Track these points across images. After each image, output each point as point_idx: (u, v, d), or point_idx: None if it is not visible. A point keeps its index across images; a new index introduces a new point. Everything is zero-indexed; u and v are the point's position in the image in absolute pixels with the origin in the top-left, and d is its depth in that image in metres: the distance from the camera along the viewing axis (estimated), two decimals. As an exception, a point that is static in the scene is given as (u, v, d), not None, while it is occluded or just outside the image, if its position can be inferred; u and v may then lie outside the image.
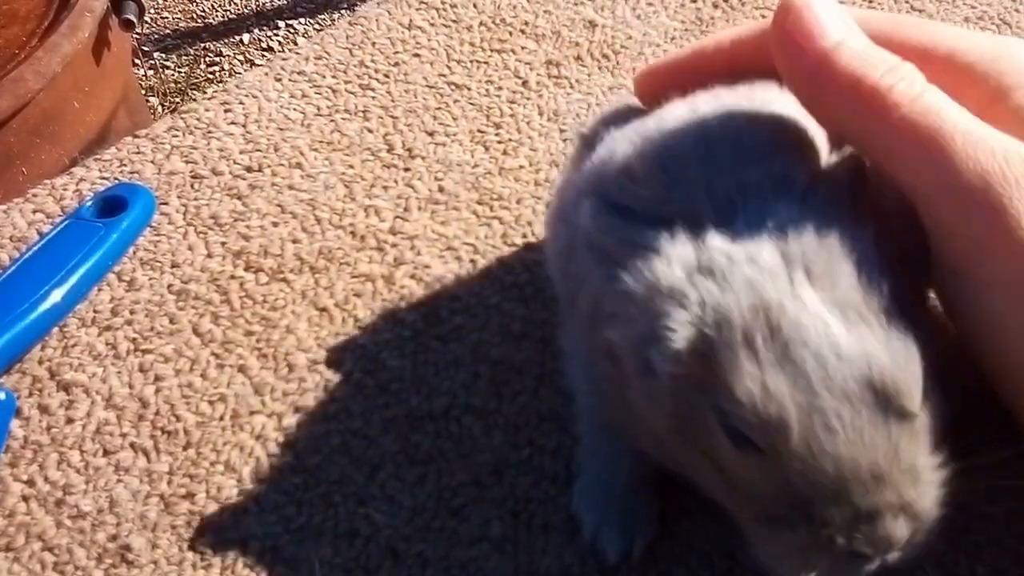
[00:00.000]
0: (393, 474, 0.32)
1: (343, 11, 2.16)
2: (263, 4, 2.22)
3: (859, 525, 0.23)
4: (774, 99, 0.30)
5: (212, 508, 0.32)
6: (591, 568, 0.29)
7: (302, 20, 2.16)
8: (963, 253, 0.26)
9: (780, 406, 0.23)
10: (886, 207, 0.28)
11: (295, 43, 2.07)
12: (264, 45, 2.09)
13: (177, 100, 1.88)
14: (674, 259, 0.25)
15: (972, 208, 0.25)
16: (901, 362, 0.23)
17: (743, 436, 0.23)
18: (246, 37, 2.11)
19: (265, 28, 2.15)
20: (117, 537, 0.31)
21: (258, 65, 0.66)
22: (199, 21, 2.16)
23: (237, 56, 2.05)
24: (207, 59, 2.04)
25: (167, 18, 2.14)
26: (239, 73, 1.96)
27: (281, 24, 2.15)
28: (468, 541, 0.31)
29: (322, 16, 2.17)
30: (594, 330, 0.28)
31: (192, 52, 2.05)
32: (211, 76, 1.98)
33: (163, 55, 2.04)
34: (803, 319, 0.23)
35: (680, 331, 0.24)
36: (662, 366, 0.24)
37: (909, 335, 0.24)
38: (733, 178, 0.26)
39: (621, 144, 0.29)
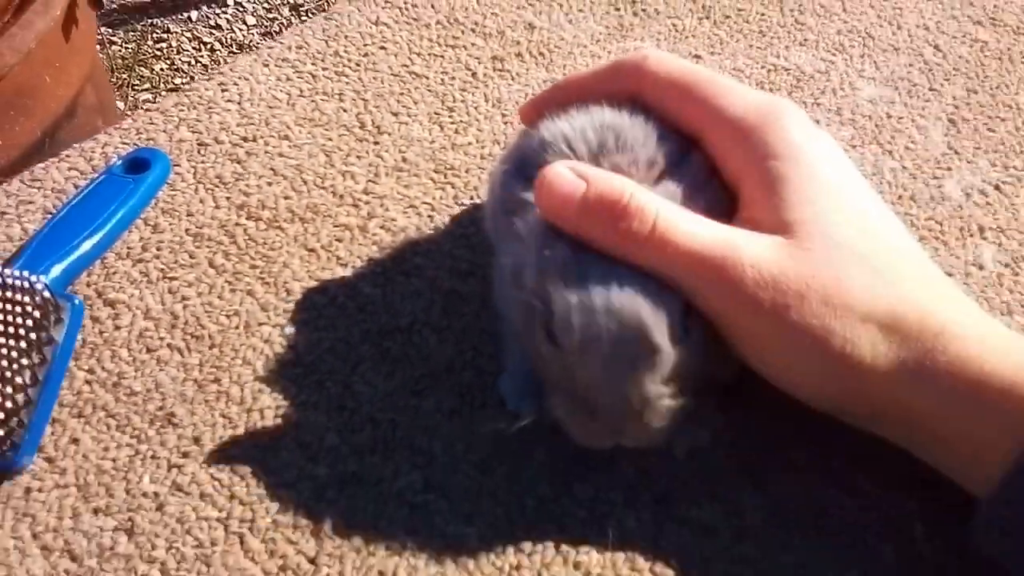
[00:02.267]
0: (370, 368, 0.47)
1: None
2: None
3: (598, 412, 0.37)
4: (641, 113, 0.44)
5: (235, 389, 0.46)
6: (516, 429, 0.44)
7: None
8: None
9: (571, 325, 0.37)
10: None
11: (244, 22, 2.18)
12: (212, 23, 2.18)
13: (124, 76, 1.98)
14: (540, 215, 0.40)
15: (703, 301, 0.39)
16: (662, 316, 0.37)
17: (551, 334, 0.38)
18: (194, 14, 2.21)
19: (213, 5, 2.25)
20: (163, 408, 0.45)
21: (247, 52, 0.78)
22: None
23: (185, 33, 2.14)
24: (154, 35, 2.13)
25: (114, -7, 2.23)
26: (186, 51, 2.07)
27: (230, 2, 2.24)
28: (427, 412, 0.45)
29: None
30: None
31: (139, 28, 2.15)
32: (158, 53, 2.08)
33: (110, 31, 2.13)
34: (604, 271, 0.37)
35: (530, 265, 0.39)
36: (528, 282, 0.39)
37: (680, 296, 0.38)
38: (610, 160, 0.41)
39: (540, 129, 0.45)
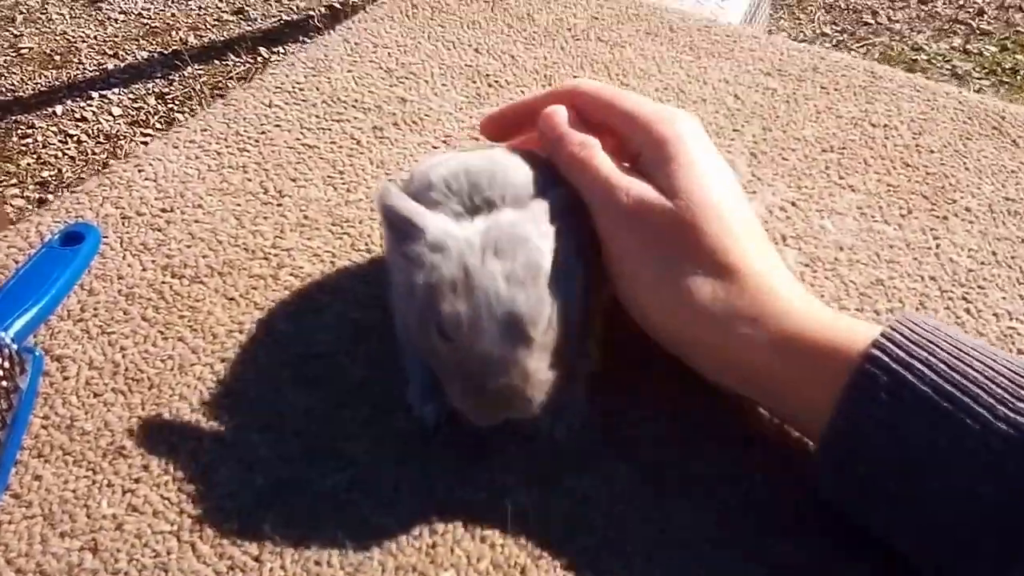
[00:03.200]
0: (292, 391, 0.49)
1: (157, 80, 2.23)
2: (75, 76, 2.23)
3: (488, 393, 0.41)
4: (511, 157, 0.48)
5: (175, 421, 0.48)
6: (417, 431, 0.47)
7: (116, 90, 2.18)
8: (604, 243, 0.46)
9: (459, 320, 0.40)
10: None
11: (110, 113, 2.11)
12: (78, 116, 2.09)
13: (-10, 173, 1.89)
14: (427, 238, 0.43)
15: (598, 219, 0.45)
16: (533, 310, 0.41)
17: (444, 333, 0.41)
18: (59, 108, 2.12)
19: (78, 99, 2.16)
20: (114, 442, 0.46)
21: (155, 138, 0.80)
22: (9, 95, 2.15)
23: (51, 128, 2.05)
24: (19, 131, 2.04)
25: (-26, 93, 2.15)
26: (52, 144, 2.00)
27: (95, 95, 2.16)
28: (345, 423, 0.47)
29: (136, 85, 2.20)
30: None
31: (3, 126, 2.03)
32: (24, 148, 1.99)
33: (-28, 129, 2.04)
34: (484, 277, 0.41)
35: (420, 280, 0.42)
36: (419, 292, 0.42)
37: (547, 296, 0.41)
38: (482, 196, 0.45)
39: (428, 172, 0.48)
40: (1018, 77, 2.25)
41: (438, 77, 0.73)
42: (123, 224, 0.59)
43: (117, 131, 2.08)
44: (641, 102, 0.49)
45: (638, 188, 0.45)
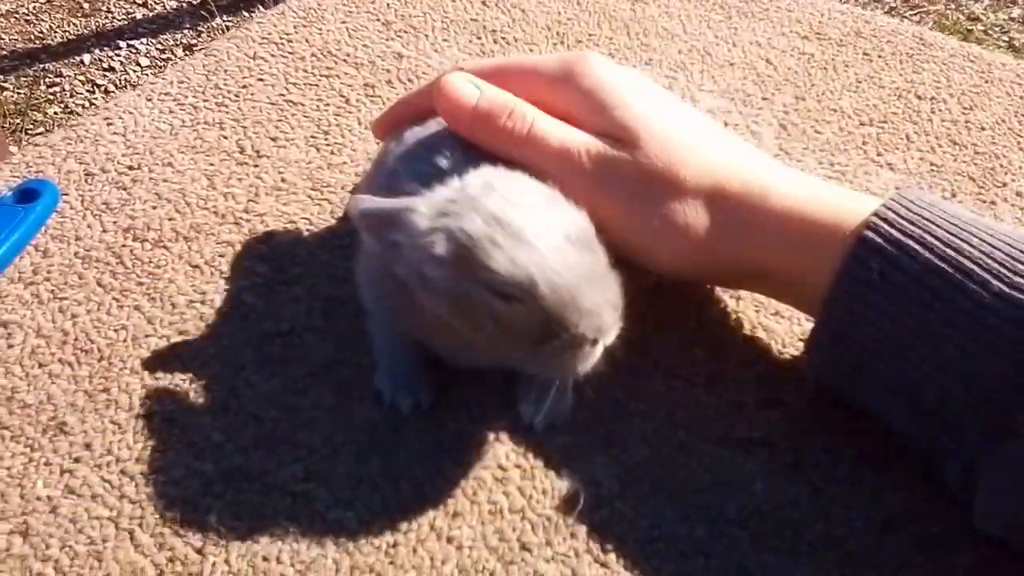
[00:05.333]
0: (253, 371, 0.48)
1: (185, 30, 2.25)
2: (104, 25, 2.28)
3: (583, 323, 0.38)
4: None
5: (123, 397, 0.47)
6: (391, 419, 0.46)
7: (144, 40, 2.23)
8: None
9: (525, 269, 0.38)
10: None
11: (138, 63, 2.15)
12: (106, 65, 2.15)
13: (17, 121, 1.93)
14: (427, 208, 0.40)
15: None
16: (581, 220, 0.40)
17: (507, 295, 0.38)
18: (87, 57, 2.17)
19: (106, 48, 2.21)
20: (55, 417, 0.46)
21: (132, 88, 0.79)
22: (37, 42, 2.22)
23: (78, 76, 2.11)
24: (47, 80, 2.09)
25: (3, 39, 2.19)
26: (80, 94, 2.04)
27: (123, 44, 2.21)
28: (307, 409, 0.46)
29: (164, 36, 2.25)
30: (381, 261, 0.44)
31: (31, 73, 2.11)
32: (51, 97, 2.04)
33: (1, 77, 2.09)
34: (516, 215, 0.38)
35: (440, 250, 0.39)
36: (434, 272, 0.40)
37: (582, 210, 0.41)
38: (470, 157, 0.44)
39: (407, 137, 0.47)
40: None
41: (440, 31, 0.71)
42: (86, 181, 0.58)
43: (144, 82, 2.10)
44: (536, 59, 0.48)
45: (595, 145, 0.44)
